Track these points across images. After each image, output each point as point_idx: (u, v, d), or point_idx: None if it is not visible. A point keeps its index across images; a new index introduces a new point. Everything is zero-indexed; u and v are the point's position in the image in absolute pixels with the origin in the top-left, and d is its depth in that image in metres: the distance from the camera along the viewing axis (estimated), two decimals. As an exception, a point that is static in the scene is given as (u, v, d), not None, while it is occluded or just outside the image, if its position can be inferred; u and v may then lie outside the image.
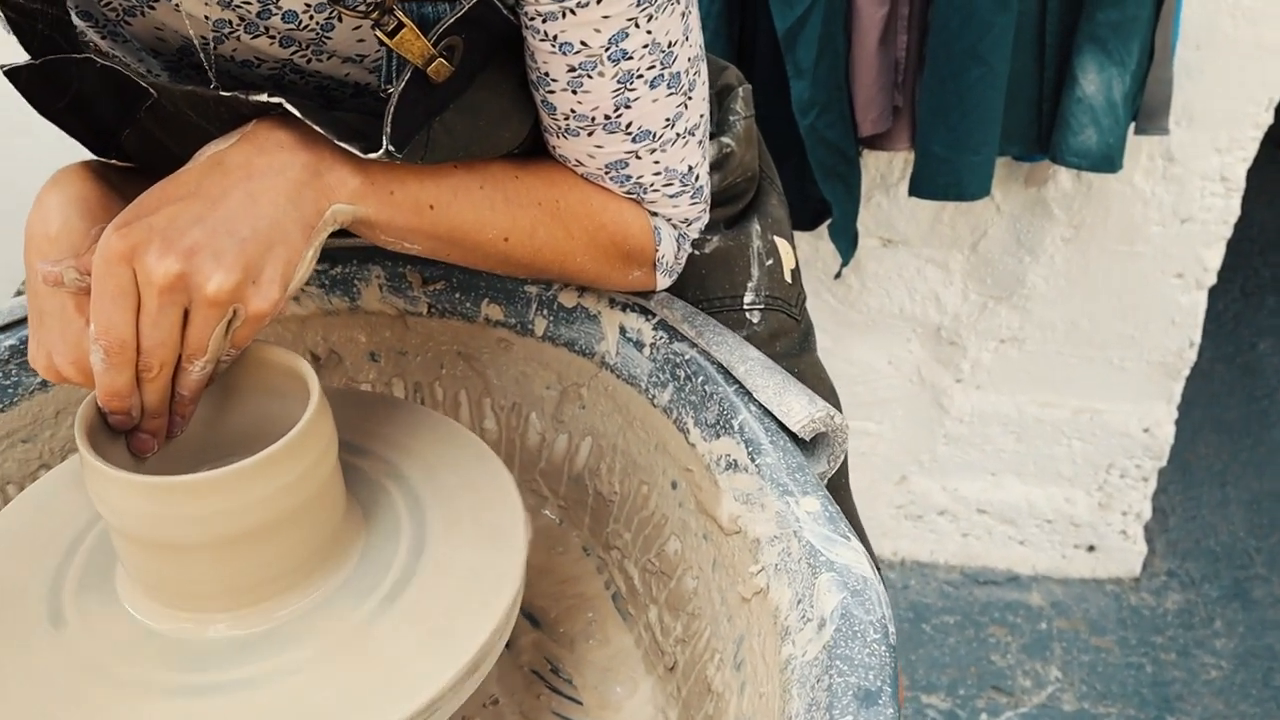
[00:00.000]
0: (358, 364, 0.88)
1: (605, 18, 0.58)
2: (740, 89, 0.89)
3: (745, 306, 0.81)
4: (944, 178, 1.30)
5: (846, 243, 1.46)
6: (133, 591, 0.57)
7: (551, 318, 0.80)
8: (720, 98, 0.89)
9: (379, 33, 0.55)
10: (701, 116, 0.68)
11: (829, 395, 0.83)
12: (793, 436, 0.64)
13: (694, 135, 0.68)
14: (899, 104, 1.38)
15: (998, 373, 1.72)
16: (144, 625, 0.56)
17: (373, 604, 0.58)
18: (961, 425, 1.78)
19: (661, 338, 0.73)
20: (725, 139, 0.84)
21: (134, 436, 0.57)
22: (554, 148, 0.68)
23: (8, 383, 0.76)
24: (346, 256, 0.85)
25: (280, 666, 0.55)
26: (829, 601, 0.52)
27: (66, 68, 0.59)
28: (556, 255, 0.69)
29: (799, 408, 0.63)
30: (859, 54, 1.31)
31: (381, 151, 0.57)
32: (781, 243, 0.86)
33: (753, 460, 0.62)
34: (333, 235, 0.82)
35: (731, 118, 0.86)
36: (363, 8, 0.55)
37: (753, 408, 0.65)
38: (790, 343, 0.82)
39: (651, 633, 0.70)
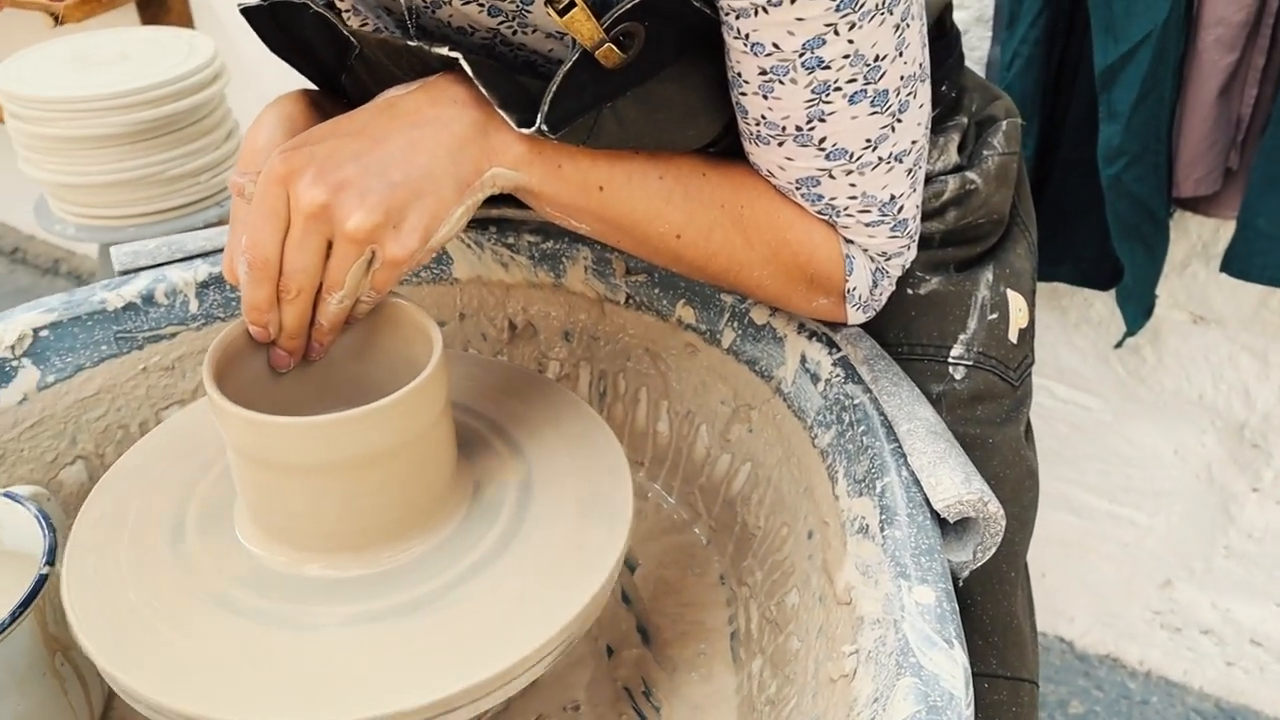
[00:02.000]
0: (551, 340, 0.88)
1: (800, 20, 0.53)
2: (1004, 122, 0.80)
3: (951, 359, 0.73)
4: (1263, 257, 1.12)
5: (1137, 311, 1.30)
6: (245, 518, 0.59)
7: (740, 331, 0.76)
8: (980, 129, 0.80)
9: (550, 9, 0.53)
10: (914, 143, 0.62)
11: (1023, 479, 0.73)
12: (937, 515, 0.56)
13: (900, 162, 0.62)
14: (1234, 166, 1.21)
15: (1306, 491, 1.48)
16: (248, 552, 0.58)
17: (469, 563, 0.58)
18: (1249, 540, 1.54)
19: (837, 375, 0.68)
20: (971, 174, 0.76)
21: (272, 351, 0.59)
22: (749, 153, 0.64)
23: (234, 295, 0.82)
24: (559, 233, 0.85)
25: (366, 613, 0.56)
26: (899, 712, 0.45)
27: (289, 11, 0.62)
28: (732, 263, 0.65)
29: (949, 485, 0.56)
30: (1191, 103, 1.16)
31: (534, 129, 0.55)
32: (1015, 298, 0.77)
33: (882, 530, 0.56)
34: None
35: (985, 152, 0.78)
36: None
37: (904, 472, 0.59)
38: (995, 409, 0.73)
39: (752, 684, 0.65)
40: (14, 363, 0.75)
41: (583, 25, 0.53)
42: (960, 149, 0.78)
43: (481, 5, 0.61)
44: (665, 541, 0.79)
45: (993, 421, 0.73)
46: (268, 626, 0.54)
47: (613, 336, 0.85)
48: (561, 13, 0.53)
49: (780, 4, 0.52)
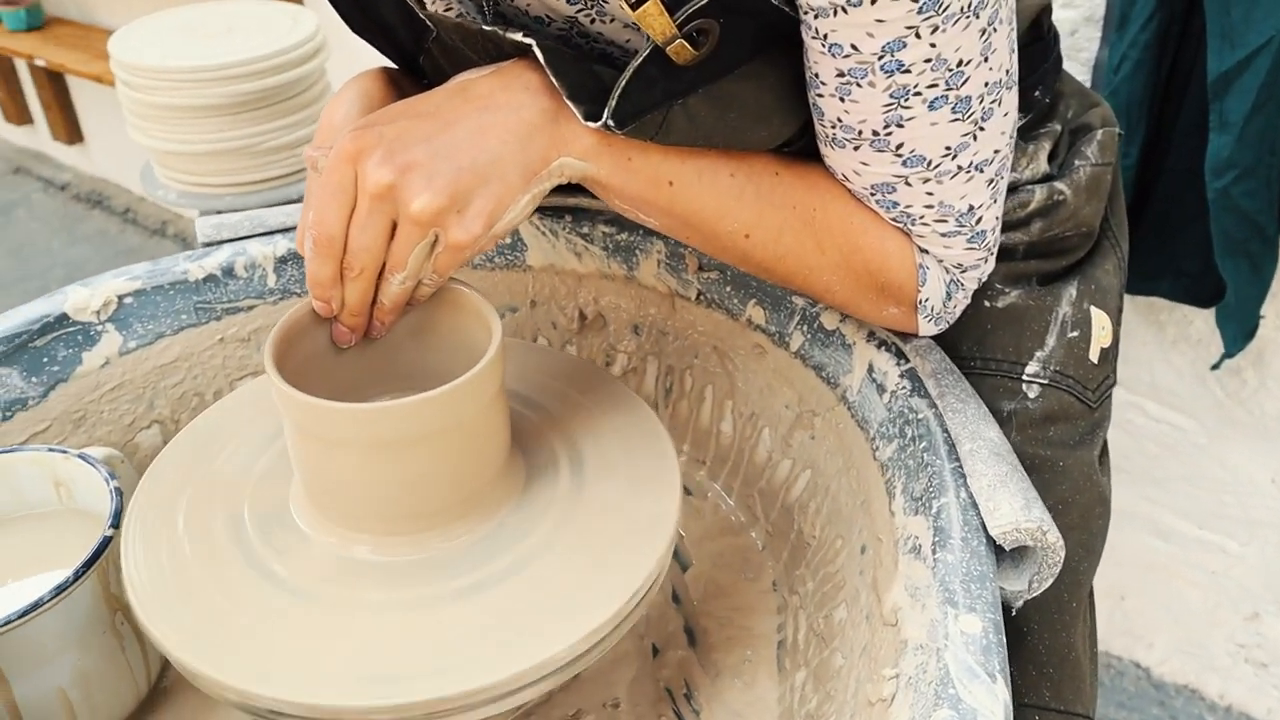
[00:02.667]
0: (620, 332, 0.87)
1: (879, 21, 0.51)
2: (1100, 131, 0.76)
3: (1025, 376, 0.71)
4: (1380, 284, 1.06)
5: (1238, 332, 1.24)
6: (300, 494, 0.60)
7: (809, 336, 0.74)
8: (1074, 137, 0.77)
9: (623, 2, 0.52)
10: (996, 153, 0.59)
11: (1093, 505, 0.70)
12: (994, 541, 0.54)
13: (981, 172, 0.59)
14: (1354, 185, 1.14)
15: None
16: (299, 529, 0.59)
17: (516, 555, 0.57)
18: (1348, 578, 1.47)
19: (903, 387, 0.66)
20: (1061, 185, 0.73)
21: (334, 326, 0.60)
22: (824, 156, 0.62)
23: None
24: (634, 225, 0.84)
25: (413, 598, 0.56)
26: (933, 744, 0.44)
27: None
28: (801, 266, 0.64)
29: (1007, 511, 0.54)
30: (1311, 117, 1.10)
31: (600, 123, 0.55)
32: (1098, 315, 0.74)
33: (934, 552, 0.54)
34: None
35: (1077, 161, 0.75)
36: None
37: (962, 494, 0.57)
38: (1069, 431, 0.70)
39: (794, 696, 0.64)
40: (98, 327, 0.78)
41: (655, 20, 0.52)
42: (1051, 157, 0.75)
43: (560, -8, 0.60)
44: (721, 543, 0.78)
45: (1065, 444, 0.70)
46: (314, 606, 0.55)
47: (682, 332, 0.84)
48: (634, 6, 0.52)
49: (860, 4, 0.51)
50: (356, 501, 0.58)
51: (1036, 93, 0.75)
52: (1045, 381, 0.70)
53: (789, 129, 0.61)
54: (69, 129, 3.14)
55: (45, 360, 0.76)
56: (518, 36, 0.57)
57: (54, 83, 3.02)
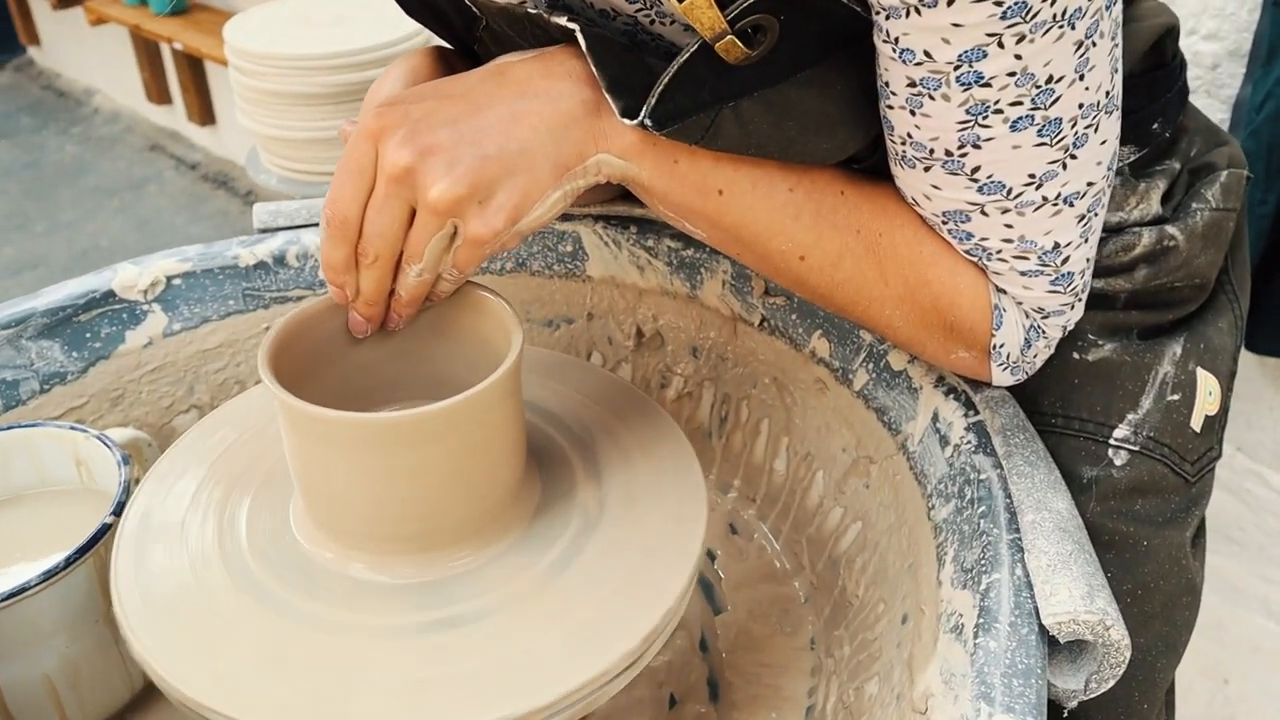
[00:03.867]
0: (678, 353, 0.82)
1: (956, 26, 0.45)
2: (1224, 173, 0.68)
3: (1113, 441, 0.63)
4: None
5: (1378, 406, 1.12)
6: (299, 505, 0.56)
7: (874, 375, 0.68)
8: (1193, 177, 0.69)
9: None
10: (1090, 185, 0.52)
11: (1179, 594, 0.62)
12: (1046, 630, 0.47)
13: (1071, 206, 0.52)
14: None
15: None
16: (296, 542, 0.55)
17: (518, 586, 0.53)
18: None
19: (968, 442, 0.59)
20: (1172, 229, 0.65)
21: (350, 314, 0.56)
22: (895, 175, 0.56)
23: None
24: (701, 242, 0.79)
25: (409, 625, 0.52)
26: None
27: None
28: (861, 297, 0.57)
29: (1065, 598, 0.47)
30: None
31: (637, 121, 0.50)
32: (1205, 378, 0.65)
33: (976, 635, 0.47)
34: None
35: (1195, 205, 0.67)
36: None
37: (1018, 571, 0.50)
38: (1159, 506, 0.62)
39: (814, 775, 0.58)
40: (145, 306, 0.76)
41: (703, 14, 0.47)
42: (1165, 198, 0.67)
43: (619, -13, 0.56)
44: (761, 590, 0.72)
45: (1153, 521, 0.62)
46: (302, 627, 0.51)
47: (742, 359, 0.79)
48: None
49: (935, 5, 0.45)
50: (353, 516, 0.54)
51: (1155, 125, 0.67)
52: (1135, 448, 0.63)
53: (855, 143, 0.55)
54: (203, 111, 3.25)
55: (88, 336, 0.75)
56: (562, 21, 0.52)
57: (192, 66, 3.12)
